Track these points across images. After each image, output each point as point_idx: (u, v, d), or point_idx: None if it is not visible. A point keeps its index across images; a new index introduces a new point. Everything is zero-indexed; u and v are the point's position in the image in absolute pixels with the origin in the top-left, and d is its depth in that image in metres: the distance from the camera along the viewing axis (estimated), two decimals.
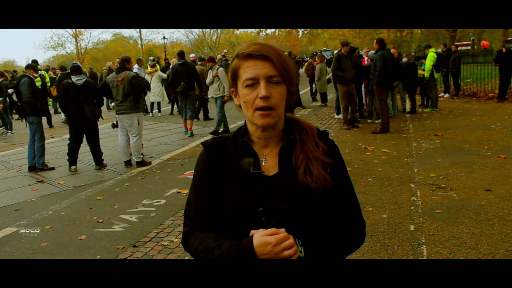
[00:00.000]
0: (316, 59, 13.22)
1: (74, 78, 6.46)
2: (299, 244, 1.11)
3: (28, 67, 7.48)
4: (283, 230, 1.10)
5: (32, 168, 6.79)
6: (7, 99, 10.95)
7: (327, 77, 12.22)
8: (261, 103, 1.14)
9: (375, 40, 8.56)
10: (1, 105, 11.03)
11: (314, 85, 13.78)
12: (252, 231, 1.12)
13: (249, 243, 1.09)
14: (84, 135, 6.71)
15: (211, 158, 1.25)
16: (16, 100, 6.96)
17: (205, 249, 1.16)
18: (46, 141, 7.15)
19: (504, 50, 11.64)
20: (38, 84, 9.23)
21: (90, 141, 6.74)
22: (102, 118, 6.98)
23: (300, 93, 12.57)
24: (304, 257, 1.10)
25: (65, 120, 6.92)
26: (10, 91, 7.07)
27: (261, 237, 1.08)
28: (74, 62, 17.08)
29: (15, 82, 7.07)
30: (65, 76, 8.99)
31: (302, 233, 1.14)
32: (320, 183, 1.17)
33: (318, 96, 13.23)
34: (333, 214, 1.22)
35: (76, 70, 6.61)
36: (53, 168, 6.94)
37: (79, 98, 6.39)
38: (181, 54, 9.39)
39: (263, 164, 1.23)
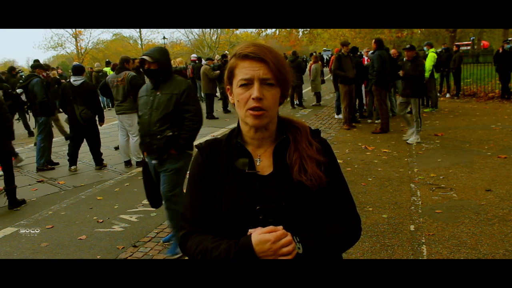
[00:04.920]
0: (311, 59, 13.24)
1: (72, 79, 6.46)
2: (297, 241, 1.12)
3: (36, 66, 7.40)
4: (280, 227, 1.10)
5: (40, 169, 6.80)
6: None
7: (327, 76, 12.24)
8: (253, 104, 1.15)
9: (373, 40, 8.56)
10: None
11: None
12: (250, 230, 1.13)
13: (247, 241, 1.09)
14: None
15: (205, 160, 1.27)
16: (25, 100, 6.76)
17: (203, 250, 1.16)
18: None
19: (500, 50, 11.67)
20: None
21: (89, 142, 6.73)
22: (91, 121, 6.68)
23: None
24: (303, 254, 1.10)
25: (66, 120, 6.89)
26: (19, 91, 6.74)
27: (259, 235, 1.09)
28: (75, 63, 17.02)
29: (22, 82, 6.97)
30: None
31: (299, 230, 1.15)
32: (315, 181, 1.18)
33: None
34: (328, 210, 1.24)
35: (76, 70, 6.61)
36: (57, 164, 7.01)
37: (74, 98, 6.37)
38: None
39: (257, 164, 1.24)
